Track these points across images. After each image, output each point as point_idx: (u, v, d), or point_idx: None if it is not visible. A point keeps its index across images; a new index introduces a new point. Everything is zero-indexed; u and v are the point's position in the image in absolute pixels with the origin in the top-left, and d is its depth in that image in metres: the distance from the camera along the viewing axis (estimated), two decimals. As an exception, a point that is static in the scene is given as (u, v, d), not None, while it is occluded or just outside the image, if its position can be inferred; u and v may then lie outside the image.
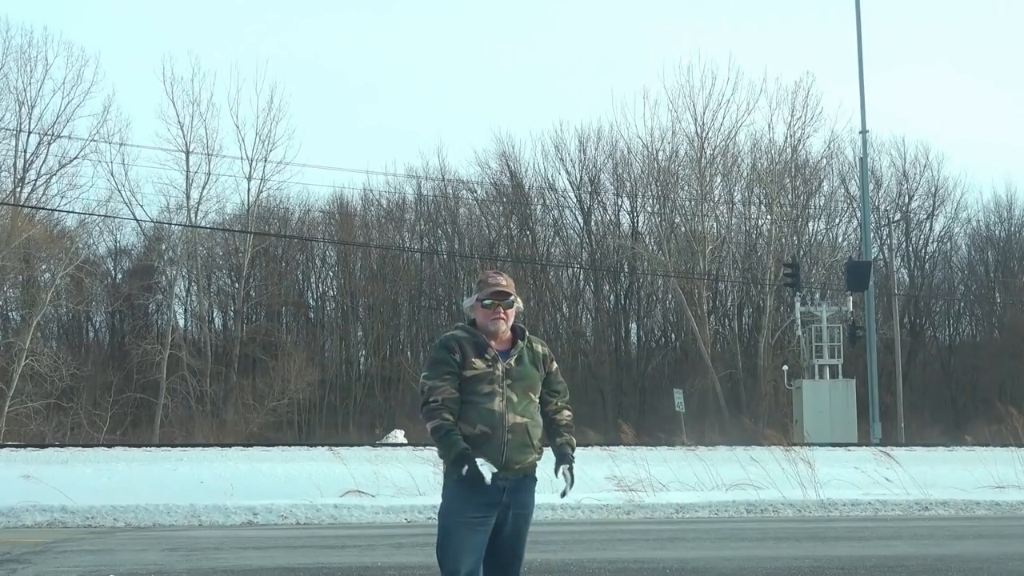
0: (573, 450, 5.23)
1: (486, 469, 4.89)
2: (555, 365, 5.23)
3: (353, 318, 47.34)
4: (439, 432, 4.89)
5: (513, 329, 5.13)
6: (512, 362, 5.04)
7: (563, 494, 5.19)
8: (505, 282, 5.10)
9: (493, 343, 5.04)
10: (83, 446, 23.88)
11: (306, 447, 22.67)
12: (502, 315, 5.07)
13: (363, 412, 43.38)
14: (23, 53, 41.69)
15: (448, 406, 4.92)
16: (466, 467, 4.84)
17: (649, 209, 46.40)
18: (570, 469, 5.13)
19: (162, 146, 42.49)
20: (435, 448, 5.14)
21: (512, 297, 5.13)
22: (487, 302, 5.06)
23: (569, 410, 5.28)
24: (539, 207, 48.05)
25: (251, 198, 43.79)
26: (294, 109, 73.13)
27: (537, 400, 5.12)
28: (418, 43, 74.46)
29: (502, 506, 4.99)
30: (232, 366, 42.46)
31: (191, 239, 42.83)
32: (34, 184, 41.34)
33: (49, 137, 41.29)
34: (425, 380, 5.01)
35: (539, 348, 5.18)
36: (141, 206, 43.04)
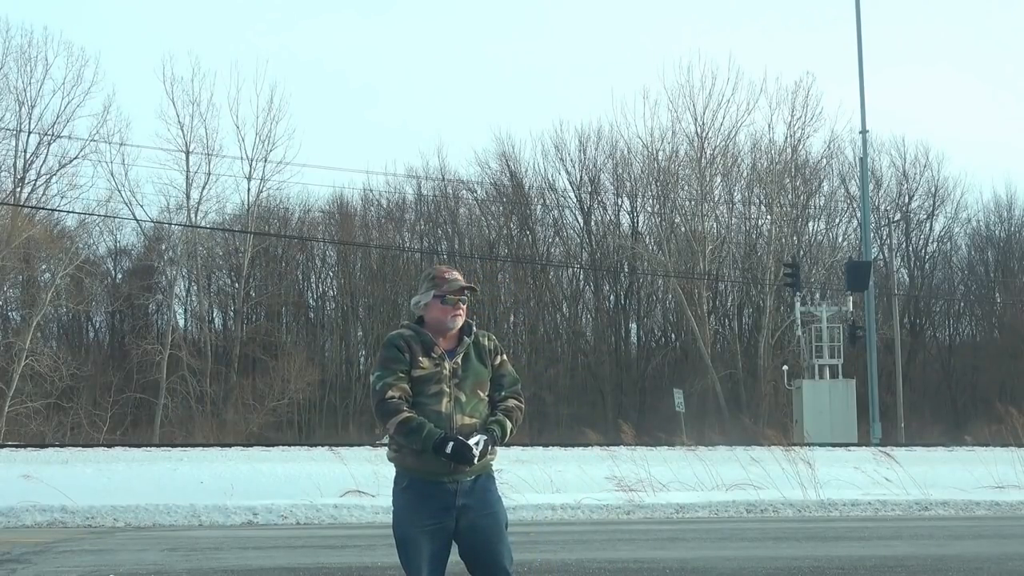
0: (502, 433, 4.88)
1: (476, 439, 4.71)
2: (501, 358, 5.01)
3: (353, 318, 47.34)
4: (408, 424, 4.71)
5: (460, 326, 4.98)
6: (459, 360, 4.87)
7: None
8: (462, 276, 5.00)
9: (441, 341, 4.89)
10: (83, 446, 23.91)
11: (306, 447, 22.69)
12: (462, 311, 4.93)
13: (363, 412, 43.33)
14: (23, 53, 41.76)
15: (407, 401, 4.78)
16: (451, 444, 4.65)
17: (649, 209, 46.44)
18: (484, 442, 4.76)
19: (162, 146, 42.55)
20: (393, 448, 4.95)
21: (477, 290, 5.07)
22: (450, 298, 4.90)
23: (516, 398, 5.01)
24: (539, 207, 48.10)
25: (251, 198, 43.85)
26: (294, 109, 73.16)
27: (487, 398, 4.94)
28: (418, 43, 74.53)
29: (458, 510, 4.78)
30: (232, 366, 42.45)
31: (191, 239, 42.83)
32: (34, 184, 41.41)
33: (49, 137, 41.35)
34: (378, 379, 4.83)
35: (485, 342, 4.99)
36: (141, 206, 43.11)
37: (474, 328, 4.99)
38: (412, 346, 4.86)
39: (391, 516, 4.98)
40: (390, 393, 4.78)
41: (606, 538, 12.36)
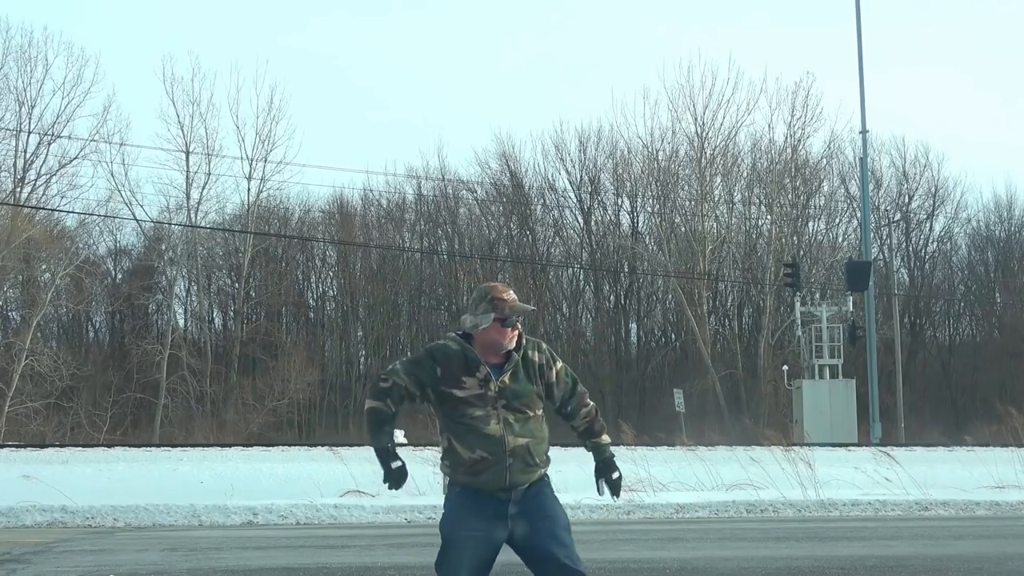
0: (608, 446, 4.94)
1: (616, 475, 4.85)
2: (555, 368, 4.82)
3: (353, 318, 47.34)
4: (375, 416, 4.70)
5: None
6: (506, 379, 4.68)
7: (600, 492, 4.95)
8: (514, 294, 4.84)
9: (491, 359, 4.70)
10: (83, 446, 23.90)
11: (306, 447, 22.68)
12: (518, 331, 4.75)
13: (363, 412, 43.37)
14: (23, 53, 41.72)
15: (396, 395, 4.68)
16: (385, 468, 4.66)
17: (649, 209, 46.43)
18: (610, 480, 4.84)
19: (162, 146, 42.55)
20: (437, 449, 4.96)
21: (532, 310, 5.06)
22: (513, 320, 4.70)
23: (587, 404, 4.94)
24: (539, 207, 48.09)
25: (251, 198, 43.83)
26: (294, 109, 73.08)
27: (539, 412, 4.77)
28: (418, 43, 74.54)
29: (512, 519, 4.68)
30: (232, 366, 42.45)
31: (191, 239, 42.84)
32: (34, 184, 41.36)
33: (49, 137, 41.32)
34: (392, 366, 4.76)
35: (536, 357, 4.77)
36: (141, 206, 43.10)
37: (523, 342, 4.78)
38: (453, 363, 4.68)
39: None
40: (388, 378, 4.72)
41: (606, 538, 12.35)
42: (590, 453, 5.01)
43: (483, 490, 4.69)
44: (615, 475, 4.95)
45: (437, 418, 4.81)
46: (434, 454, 17.77)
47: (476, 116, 73.73)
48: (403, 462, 4.72)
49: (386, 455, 4.69)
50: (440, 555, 4.77)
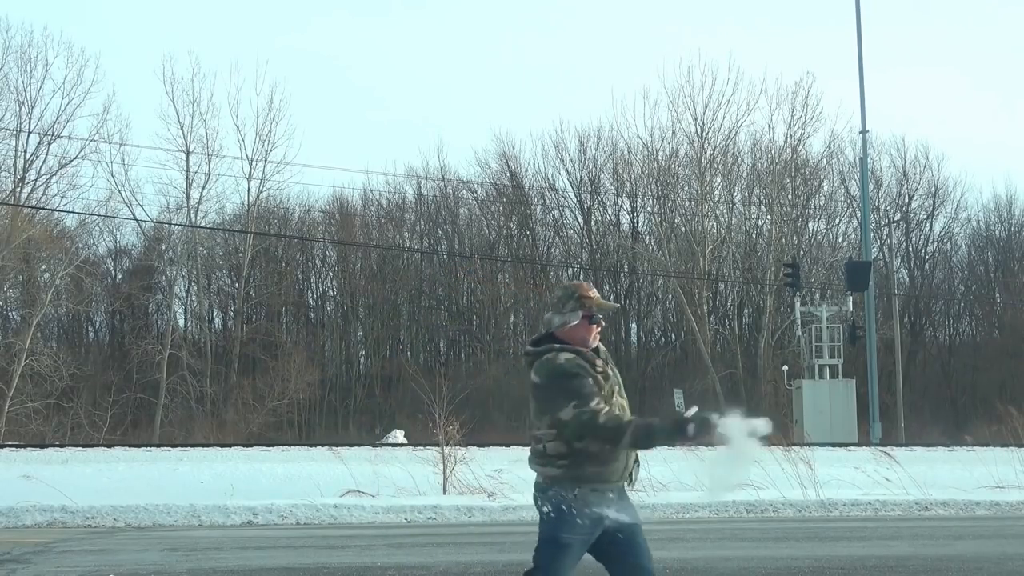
0: None
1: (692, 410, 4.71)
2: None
3: (353, 318, 47.33)
4: (641, 429, 4.58)
5: None
6: (610, 370, 4.81)
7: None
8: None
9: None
10: (83, 446, 23.92)
11: (306, 447, 22.70)
12: (600, 329, 4.85)
13: (363, 412, 43.38)
14: (23, 53, 41.70)
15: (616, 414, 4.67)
16: (691, 425, 4.56)
17: (649, 209, 46.42)
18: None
19: (162, 146, 42.53)
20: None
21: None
22: (598, 318, 4.78)
23: None
24: (539, 207, 48.08)
25: (251, 198, 43.81)
26: (294, 109, 73.06)
27: None
28: (418, 43, 74.51)
29: (607, 517, 4.73)
30: (232, 366, 42.44)
31: (191, 239, 42.83)
32: (34, 184, 41.35)
33: (49, 137, 41.31)
34: (582, 411, 4.57)
35: (604, 351, 4.93)
36: (141, 206, 43.08)
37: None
38: (586, 369, 4.71)
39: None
40: (605, 413, 4.61)
41: (606, 538, 12.33)
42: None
43: (602, 482, 4.69)
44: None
45: (550, 423, 4.68)
46: (434, 454, 17.79)
47: (476, 116, 73.75)
48: (692, 418, 4.60)
49: (682, 420, 4.60)
50: (545, 556, 4.72)
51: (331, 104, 72.92)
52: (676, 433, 4.58)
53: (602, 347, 4.92)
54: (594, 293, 4.83)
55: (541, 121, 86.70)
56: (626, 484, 4.87)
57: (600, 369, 4.74)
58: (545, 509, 4.73)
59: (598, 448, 4.63)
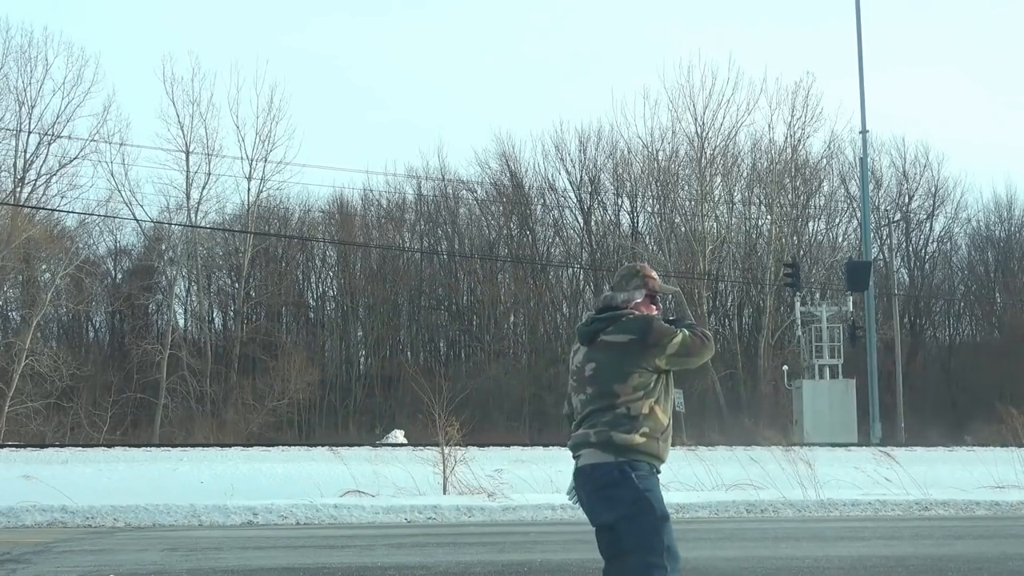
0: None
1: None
2: None
3: (353, 318, 47.33)
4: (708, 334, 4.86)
5: None
6: None
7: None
8: None
9: None
10: (83, 446, 23.91)
11: (306, 447, 22.69)
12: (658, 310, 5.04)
13: (363, 412, 43.37)
14: (23, 53, 41.74)
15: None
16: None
17: (649, 209, 46.46)
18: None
19: (162, 146, 42.58)
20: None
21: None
22: (657, 298, 5.00)
23: None
24: (539, 207, 48.11)
25: (251, 198, 43.85)
26: (294, 109, 73.25)
27: None
28: (418, 43, 74.55)
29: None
30: (232, 366, 42.45)
31: (191, 239, 42.83)
32: (34, 184, 41.37)
33: (49, 137, 41.33)
34: (678, 334, 4.75)
35: None
36: (141, 206, 43.12)
37: None
38: None
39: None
40: (690, 332, 4.79)
41: (606, 538, 12.33)
42: None
43: (663, 459, 4.74)
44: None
45: (636, 384, 4.70)
46: (434, 454, 17.79)
47: (476, 116, 73.82)
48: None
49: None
50: (666, 535, 4.62)
51: (331, 104, 73.04)
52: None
53: None
54: (655, 274, 5.03)
55: (541, 121, 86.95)
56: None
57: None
58: (636, 483, 4.61)
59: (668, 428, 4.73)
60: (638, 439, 4.63)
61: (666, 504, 4.69)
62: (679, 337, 4.73)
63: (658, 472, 4.73)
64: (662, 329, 4.76)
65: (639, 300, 4.93)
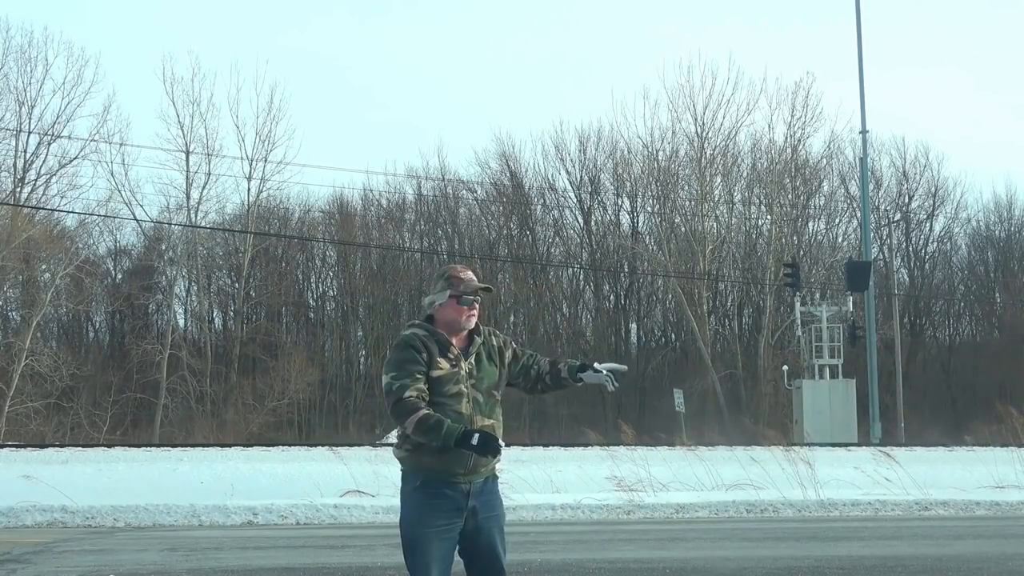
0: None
1: (602, 377, 4.88)
2: (512, 349, 4.96)
3: (353, 318, 47.34)
4: (427, 421, 4.54)
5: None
6: (473, 360, 4.78)
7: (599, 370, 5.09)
8: (476, 276, 4.92)
9: (454, 341, 4.78)
10: (83, 446, 23.92)
11: (306, 447, 22.70)
12: (476, 311, 4.83)
13: (363, 412, 43.36)
14: (23, 53, 41.72)
15: (424, 400, 4.64)
16: (476, 435, 4.54)
17: (649, 209, 46.43)
18: (598, 366, 5.03)
19: (162, 146, 42.56)
20: (405, 448, 4.81)
21: (492, 290, 4.98)
22: (468, 298, 4.79)
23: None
24: (539, 207, 48.09)
25: (251, 198, 43.84)
26: (294, 109, 73.18)
27: (499, 397, 4.88)
28: (418, 43, 74.54)
29: (468, 511, 4.73)
30: (232, 366, 42.45)
31: (191, 239, 42.83)
32: (34, 184, 41.36)
33: (49, 137, 41.32)
34: (393, 380, 4.66)
35: (495, 341, 4.91)
36: (141, 206, 43.09)
37: (481, 327, 4.89)
38: (428, 346, 4.73)
39: (397, 515, 4.87)
40: (408, 393, 4.63)
41: (606, 538, 12.36)
42: (572, 374, 5.13)
43: (445, 476, 4.69)
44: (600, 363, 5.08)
45: None
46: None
47: (476, 116, 73.82)
48: (479, 431, 4.64)
49: (467, 436, 4.58)
50: (407, 557, 4.75)
51: (331, 104, 73.03)
52: (462, 440, 4.56)
53: (498, 336, 4.94)
54: (465, 274, 4.85)
55: (541, 121, 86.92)
56: (491, 479, 4.87)
57: (454, 354, 4.75)
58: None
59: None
60: (401, 453, 4.79)
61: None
62: (387, 379, 4.73)
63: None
64: (389, 359, 4.77)
65: (442, 302, 4.81)
